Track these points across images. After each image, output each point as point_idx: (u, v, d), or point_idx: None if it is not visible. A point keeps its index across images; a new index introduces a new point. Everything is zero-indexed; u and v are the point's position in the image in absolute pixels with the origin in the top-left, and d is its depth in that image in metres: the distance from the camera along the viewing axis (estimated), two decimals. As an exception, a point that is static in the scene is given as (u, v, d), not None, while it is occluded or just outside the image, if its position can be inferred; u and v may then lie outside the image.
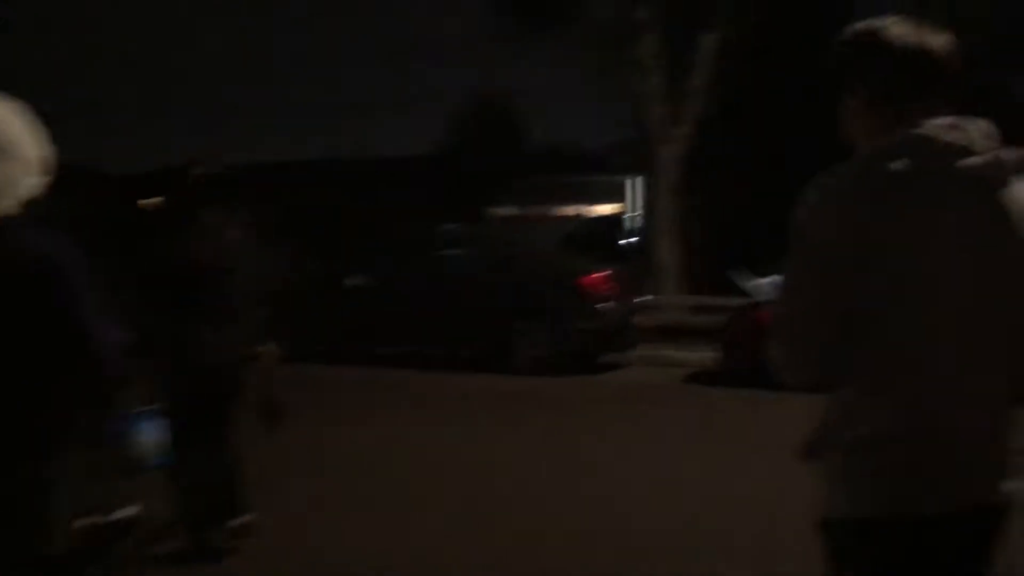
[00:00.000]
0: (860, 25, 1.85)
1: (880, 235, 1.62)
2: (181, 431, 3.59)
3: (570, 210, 33.36)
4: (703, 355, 11.29)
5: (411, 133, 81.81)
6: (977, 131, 1.72)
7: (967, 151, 1.68)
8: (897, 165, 1.66)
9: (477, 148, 34.69)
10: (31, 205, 2.30)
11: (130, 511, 2.62)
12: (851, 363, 1.67)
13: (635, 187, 30.68)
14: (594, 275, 10.74)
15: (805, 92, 17.88)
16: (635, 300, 12.47)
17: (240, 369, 4.51)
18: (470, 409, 8.91)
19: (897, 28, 1.77)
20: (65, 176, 2.55)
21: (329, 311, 10.33)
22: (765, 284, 9.89)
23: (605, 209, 31.81)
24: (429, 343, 10.82)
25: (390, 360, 10.41)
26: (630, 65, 12.17)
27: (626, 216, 26.39)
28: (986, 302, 1.67)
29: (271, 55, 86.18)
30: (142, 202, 38.36)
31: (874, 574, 1.67)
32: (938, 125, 1.72)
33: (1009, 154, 1.70)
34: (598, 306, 10.75)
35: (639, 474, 6.85)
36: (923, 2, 16.07)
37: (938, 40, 1.78)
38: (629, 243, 23.63)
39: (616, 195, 31.84)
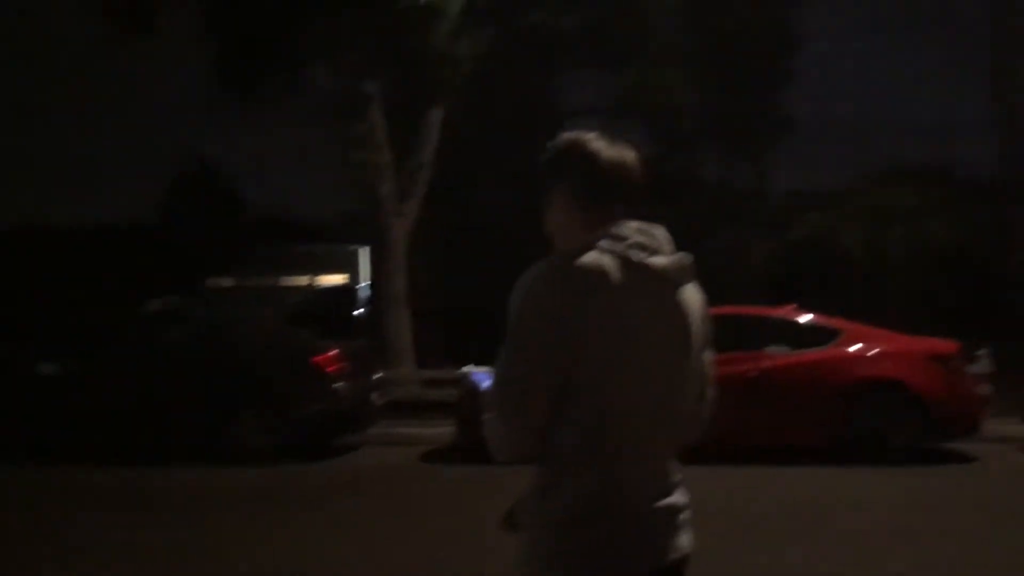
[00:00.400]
0: (568, 135, 2.11)
1: (581, 324, 1.80)
2: None
3: (297, 281, 32.51)
4: (439, 431, 11.10)
5: (121, 201, 76.53)
6: (661, 234, 1.99)
7: (655, 251, 1.94)
8: (597, 262, 1.86)
9: (192, 217, 32.99)
10: None
11: None
12: (553, 440, 1.83)
13: (364, 257, 30.51)
14: (327, 352, 9.90)
15: (523, 166, 18.78)
16: (373, 376, 11.93)
17: None
18: (188, 507, 7.96)
19: (598, 142, 2.04)
20: None
21: (17, 402, 8.89)
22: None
23: (334, 279, 31.31)
24: (138, 433, 9.54)
25: (88, 455, 9.07)
26: (357, 138, 11.93)
27: (357, 287, 26.00)
28: (669, 380, 1.93)
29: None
30: None
31: None
32: (630, 227, 1.97)
33: (688, 257, 1.97)
34: (332, 385, 9.95)
35: (360, 556, 6.52)
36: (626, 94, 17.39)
37: (630, 154, 2.05)
38: (360, 315, 23.18)
39: (345, 265, 31.46)
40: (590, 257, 1.90)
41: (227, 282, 30.91)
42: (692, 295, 2.04)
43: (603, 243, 1.94)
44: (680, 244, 2.06)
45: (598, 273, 1.86)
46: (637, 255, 1.92)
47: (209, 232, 32.08)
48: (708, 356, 2.12)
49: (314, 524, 7.54)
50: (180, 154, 36.66)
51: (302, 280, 32.27)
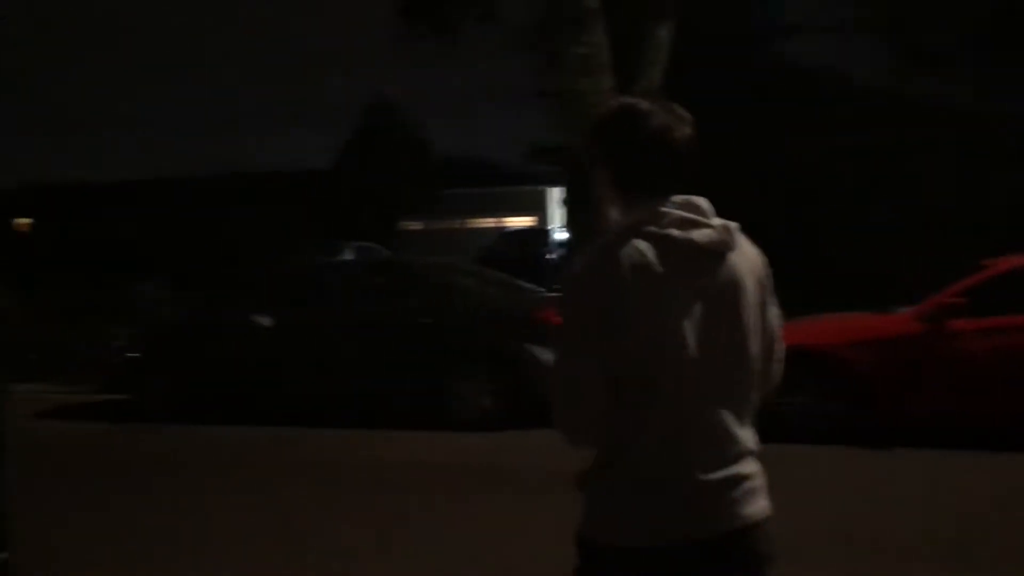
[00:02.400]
0: (616, 102, 2.08)
1: (625, 311, 1.84)
2: None
3: (484, 223, 31.89)
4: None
5: (307, 147, 78.87)
6: (705, 205, 1.97)
7: (699, 225, 1.93)
8: (638, 248, 1.87)
9: (378, 161, 32.85)
10: None
11: None
12: (614, 420, 1.88)
13: (554, 198, 29.43)
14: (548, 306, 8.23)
15: (757, 92, 16.53)
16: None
17: None
18: (405, 485, 6.26)
19: (648, 113, 1.97)
20: None
21: (232, 355, 8.09)
22: None
23: (522, 222, 30.45)
24: (353, 395, 8.42)
25: (301, 416, 8.16)
26: (575, 61, 10.52)
27: (548, 229, 24.90)
28: (725, 350, 1.93)
29: (164, 68, 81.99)
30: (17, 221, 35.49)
31: None
32: (674, 202, 1.94)
33: (732, 225, 1.97)
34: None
35: None
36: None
37: (683, 127, 1.99)
38: (552, 260, 22.09)
39: (533, 207, 30.50)
40: (630, 244, 1.88)
41: (416, 226, 30.73)
42: (742, 256, 1.99)
43: (646, 223, 1.91)
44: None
45: (639, 259, 1.86)
46: (679, 232, 1.91)
47: (396, 176, 31.90)
48: (773, 312, 2.06)
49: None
50: (364, 98, 36.68)
51: (489, 222, 31.70)
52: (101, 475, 6.75)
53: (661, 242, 1.89)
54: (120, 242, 29.03)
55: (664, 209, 1.92)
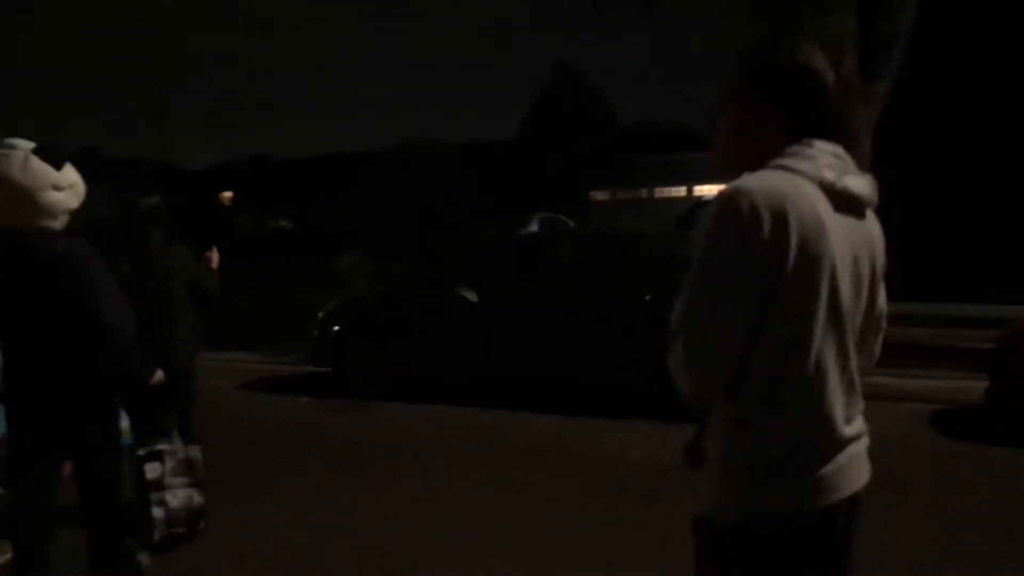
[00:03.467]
0: (778, 41, 1.88)
1: (775, 256, 1.66)
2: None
3: (673, 192, 30.60)
4: (947, 384, 8.38)
5: (489, 117, 79.10)
6: (848, 156, 1.84)
7: (847, 172, 1.80)
8: (791, 184, 1.71)
9: (561, 130, 32.09)
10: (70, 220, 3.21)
11: None
12: (745, 374, 1.72)
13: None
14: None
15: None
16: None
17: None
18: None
19: (817, 56, 1.86)
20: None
21: (435, 333, 7.48)
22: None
23: (715, 189, 28.85)
24: (570, 378, 7.56)
25: (505, 400, 7.53)
26: (810, 4, 9.25)
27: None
28: (859, 308, 1.85)
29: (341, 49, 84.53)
30: (222, 195, 37.26)
31: (758, 570, 1.76)
32: (820, 147, 1.80)
33: (873, 180, 1.87)
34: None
35: None
36: None
37: (830, 73, 1.88)
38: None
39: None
40: (781, 181, 1.71)
41: (602, 196, 29.86)
42: (874, 222, 1.90)
43: (793, 163, 1.76)
44: None
45: (793, 198, 1.67)
46: (832, 176, 1.78)
47: (580, 145, 31.08)
48: (882, 289, 1.95)
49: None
50: (548, 69, 35.95)
51: (679, 190, 30.39)
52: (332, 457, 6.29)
53: (817, 185, 1.76)
54: (312, 216, 29.74)
55: (810, 152, 1.79)
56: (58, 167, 3.19)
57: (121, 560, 3.34)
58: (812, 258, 1.69)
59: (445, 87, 75.00)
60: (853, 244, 1.80)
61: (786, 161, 1.76)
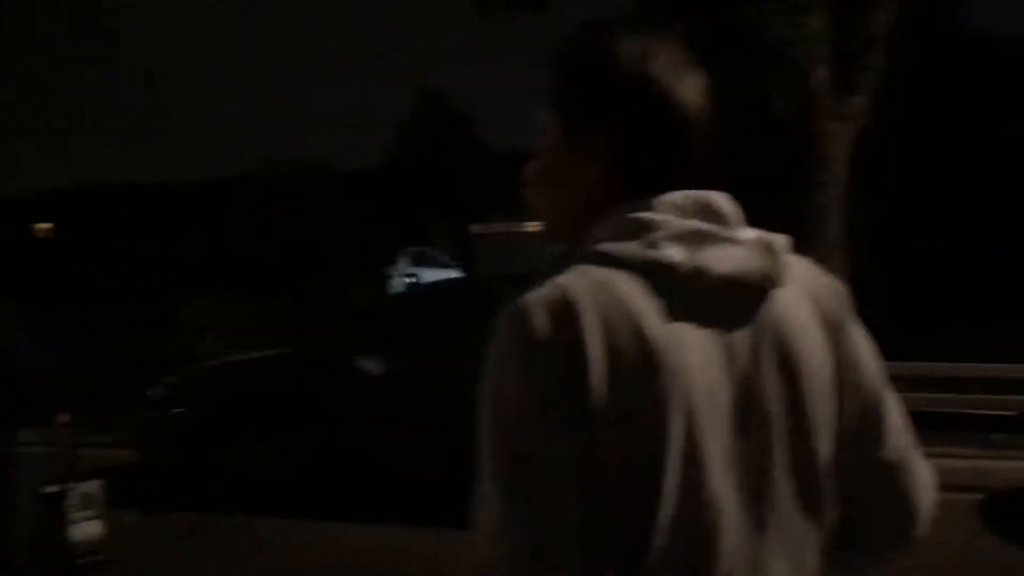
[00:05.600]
0: (585, 26, 1.18)
1: (611, 382, 0.99)
2: None
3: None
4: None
5: (350, 146, 75.94)
6: (727, 207, 1.10)
7: (719, 239, 1.07)
8: (635, 265, 1.04)
9: (430, 157, 30.37)
10: None
11: None
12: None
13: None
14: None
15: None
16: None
17: None
18: None
19: (633, 43, 1.12)
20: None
21: (331, 417, 5.34)
22: None
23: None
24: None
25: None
26: (778, 6, 7.68)
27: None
28: (774, 459, 1.08)
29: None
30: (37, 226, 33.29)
31: None
32: (670, 201, 1.08)
33: (778, 240, 1.11)
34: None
35: None
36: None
37: (691, 77, 1.13)
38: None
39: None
40: (584, 284, 1.02)
41: (479, 228, 27.94)
42: (798, 291, 1.12)
43: (612, 247, 1.05)
44: None
45: (614, 305, 1.01)
46: (683, 254, 1.05)
47: (450, 173, 29.38)
48: (869, 383, 1.14)
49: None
50: (407, 91, 34.08)
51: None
52: None
53: (654, 271, 1.05)
54: (153, 249, 26.49)
55: (651, 214, 1.07)
56: None
57: None
58: (637, 401, 1.00)
59: (300, 110, 72.09)
60: (737, 359, 1.06)
61: (603, 245, 1.05)
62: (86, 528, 4.51)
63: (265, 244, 24.08)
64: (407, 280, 18.89)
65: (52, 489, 4.45)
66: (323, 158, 29.60)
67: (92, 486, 4.51)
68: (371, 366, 5.55)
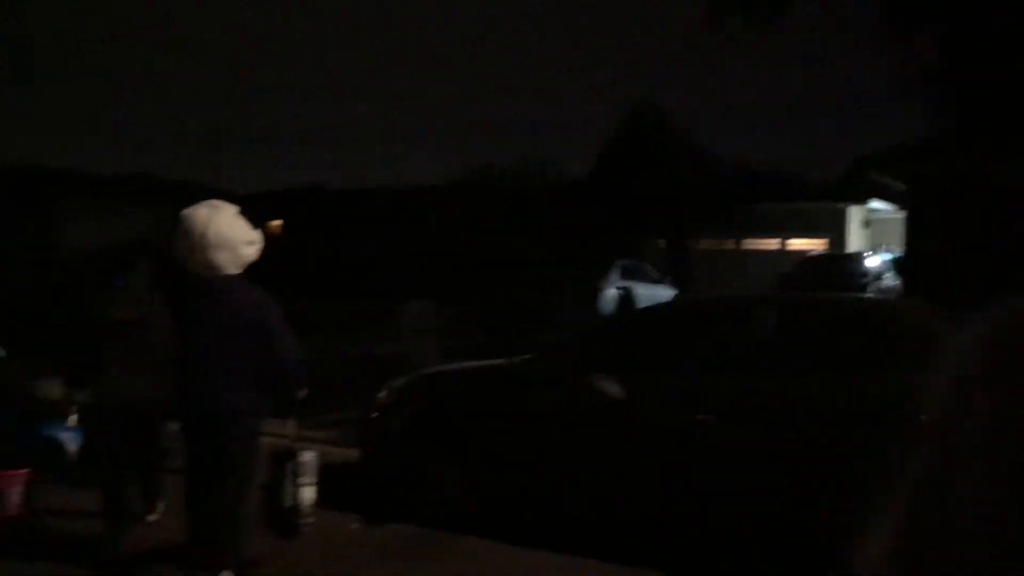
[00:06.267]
0: None
1: None
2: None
3: (762, 244, 27.70)
4: None
5: (559, 155, 76.64)
6: None
7: None
8: None
9: (637, 171, 29.58)
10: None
11: None
12: None
13: (857, 219, 24.72)
14: None
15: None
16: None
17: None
18: None
19: None
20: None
21: (560, 443, 4.86)
22: None
23: (810, 244, 25.92)
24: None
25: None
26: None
27: (861, 255, 20.30)
28: None
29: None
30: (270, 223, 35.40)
31: None
32: None
33: None
34: None
35: None
36: None
37: None
38: (872, 289, 17.73)
39: (827, 227, 25.83)
40: None
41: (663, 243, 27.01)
42: None
43: None
44: None
45: None
46: None
47: (654, 188, 28.54)
48: None
49: None
50: (620, 105, 33.54)
51: (769, 243, 27.49)
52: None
53: None
54: (370, 250, 27.34)
55: None
56: (254, 227, 4.15)
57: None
58: None
59: (510, 123, 73.17)
60: None
61: None
62: (307, 492, 4.81)
63: (474, 250, 24.25)
64: (618, 293, 18.35)
65: (283, 454, 4.72)
66: (535, 168, 29.33)
67: (310, 456, 4.84)
68: (610, 386, 5.04)
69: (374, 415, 5.86)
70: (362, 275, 23.35)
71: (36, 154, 60.30)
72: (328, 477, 6.18)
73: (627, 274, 19.65)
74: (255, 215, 4.87)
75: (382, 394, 5.92)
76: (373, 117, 78.02)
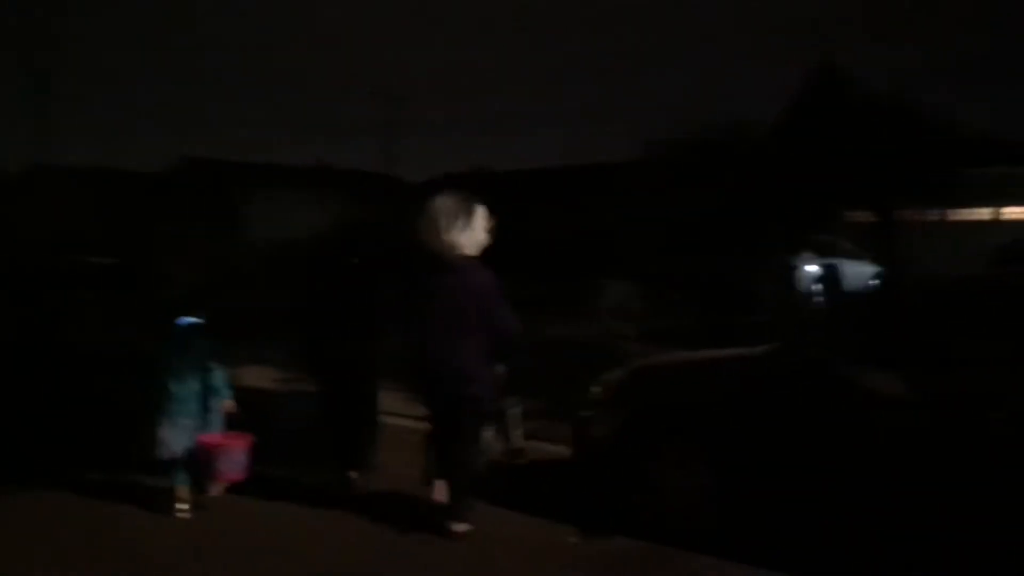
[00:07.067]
0: None
1: None
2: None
3: (976, 214, 25.18)
4: None
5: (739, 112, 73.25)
6: None
7: None
8: None
9: (828, 130, 27.53)
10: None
11: None
12: None
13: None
14: None
15: None
16: None
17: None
18: None
19: None
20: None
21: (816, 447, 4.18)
22: None
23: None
24: None
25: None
26: None
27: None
28: None
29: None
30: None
31: None
32: None
33: None
34: None
35: None
36: None
37: None
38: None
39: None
40: None
41: (861, 216, 24.88)
42: None
43: None
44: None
45: None
46: None
47: (845, 151, 26.49)
48: None
49: None
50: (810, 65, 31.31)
51: (979, 214, 24.96)
52: None
53: None
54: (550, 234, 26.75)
55: None
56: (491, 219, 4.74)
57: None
58: None
59: (679, 92, 70.77)
60: None
61: None
62: (517, 440, 5.87)
63: (656, 229, 23.20)
64: (823, 271, 16.91)
65: (498, 407, 5.28)
66: (717, 137, 27.62)
67: (518, 410, 5.69)
68: (882, 382, 4.15)
69: (587, 413, 5.19)
70: (548, 255, 22.79)
71: (214, 146, 63.60)
72: (527, 477, 5.58)
73: (824, 251, 18.12)
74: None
75: (597, 389, 5.24)
76: (517, 101, 77.66)
